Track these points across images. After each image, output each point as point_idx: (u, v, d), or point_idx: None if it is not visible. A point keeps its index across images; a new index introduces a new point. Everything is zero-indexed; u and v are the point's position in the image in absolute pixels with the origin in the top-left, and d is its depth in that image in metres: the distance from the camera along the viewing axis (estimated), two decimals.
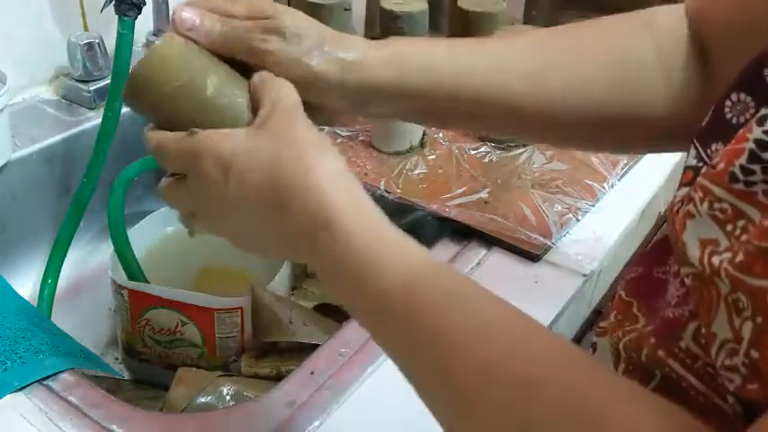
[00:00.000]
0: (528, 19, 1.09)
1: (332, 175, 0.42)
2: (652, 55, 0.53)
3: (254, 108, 0.46)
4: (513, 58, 0.53)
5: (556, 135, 0.58)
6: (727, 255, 0.34)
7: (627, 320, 0.48)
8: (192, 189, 0.45)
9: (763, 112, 0.34)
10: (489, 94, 0.52)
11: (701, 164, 0.41)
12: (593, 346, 0.51)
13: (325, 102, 0.50)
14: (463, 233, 0.73)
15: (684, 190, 0.40)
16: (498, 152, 0.85)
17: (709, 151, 0.41)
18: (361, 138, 0.87)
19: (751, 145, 0.34)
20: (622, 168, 0.82)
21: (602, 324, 0.51)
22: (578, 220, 0.74)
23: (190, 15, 0.47)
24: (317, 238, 0.41)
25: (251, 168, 0.42)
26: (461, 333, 0.38)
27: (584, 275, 0.68)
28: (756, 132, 0.34)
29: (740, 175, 0.34)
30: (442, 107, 0.52)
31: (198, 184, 0.45)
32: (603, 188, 0.79)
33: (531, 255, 0.69)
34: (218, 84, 0.46)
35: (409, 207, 0.76)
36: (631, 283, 0.50)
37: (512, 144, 0.85)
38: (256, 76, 0.47)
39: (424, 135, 0.85)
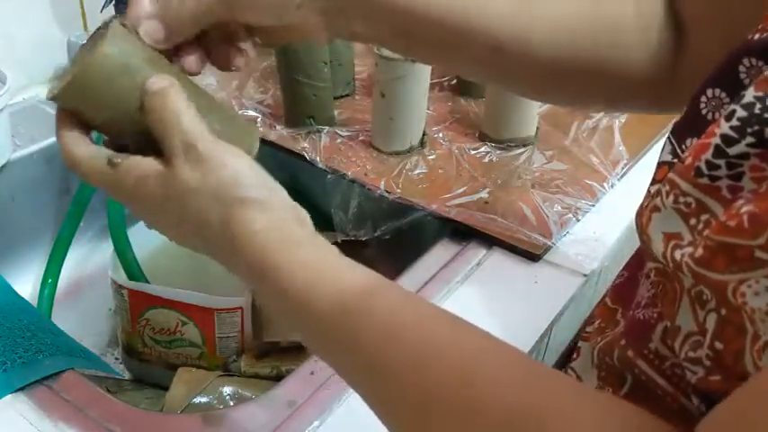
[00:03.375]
0: None
1: (249, 228, 0.41)
2: (631, 11, 0.52)
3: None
4: None
5: (525, 81, 0.55)
6: (689, 249, 0.34)
7: (609, 326, 0.48)
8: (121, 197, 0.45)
9: (731, 107, 0.34)
10: (473, 26, 0.49)
11: (675, 159, 0.41)
12: (577, 351, 0.51)
13: (302, 19, 0.48)
14: (463, 233, 0.73)
15: (657, 186, 0.40)
16: (498, 152, 0.85)
17: (683, 146, 0.41)
18: (361, 138, 0.87)
19: (717, 140, 0.34)
20: (622, 168, 0.82)
21: (587, 329, 0.51)
22: (578, 220, 0.74)
23: (154, 28, 0.46)
24: (261, 281, 0.42)
25: (185, 206, 0.43)
26: (395, 364, 0.37)
27: (585, 275, 0.68)
28: (723, 127, 0.34)
29: (705, 170, 0.35)
30: (422, 32, 0.49)
31: (125, 197, 0.45)
32: (603, 188, 0.79)
33: (531, 255, 0.69)
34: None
35: (409, 207, 0.76)
36: (617, 288, 0.50)
37: (512, 144, 0.85)
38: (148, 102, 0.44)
39: (424, 135, 0.85)
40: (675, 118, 0.43)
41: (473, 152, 0.85)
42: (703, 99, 0.40)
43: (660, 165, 0.42)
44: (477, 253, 0.70)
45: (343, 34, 0.51)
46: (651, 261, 0.39)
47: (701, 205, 0.35)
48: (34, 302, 0.83)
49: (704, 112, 0.40)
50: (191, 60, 0.47)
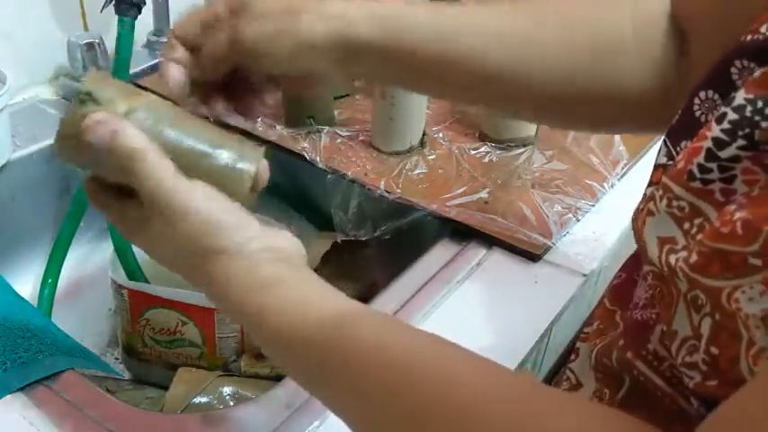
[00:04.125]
0: None
1: (223, 279, 0.42)
2: (630, 27, 0.52)
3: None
4: (496, 24, 0.52)
5: (529, 107, 0.56)
6: (683, 254, 0.34)
7: (609, 329, 0.48)
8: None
9: (722, 109, 0.34)
10: (468, 57, 0.51)
11: (670, 162, 0.41)
12: (576, 352, 0.50)
13: (311, 66, 0.49)
14: (463, 233, 0.73)
15: (652, 189, 0.40)
16: (498, 152, 0.85)
17: (678, 149, 0.41)
18: (361, 138, 0.87)
19: (708, 143, 0.34)
20: (622, 168, 0.82)
21: (585, 330, 0.51)
22: (578, 220, 0.74)
23: (178, 77, 0.48)
24: (246, 324, 0.44)
25: (164, 253, 0.44)
26: (383, 384, 0.37)
27: (584, 275, 0.68)
28: (715, 130, 0.34)
29: (698, 173, 0.34)
30: (423, 67, 0.51)
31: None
32: (603, 188, 0.79)
33: (531, 255, 0.69)
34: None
35: (409, 207, 0.76)
36: (615, 289, 0.50)
37: (512, 144, 0.85)
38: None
39: (424, 135, 0.85)
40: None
41: (473, 152, 0.85)
42: (696, 101, 0.40)
43: (656, 167, 0.42)
44: (477, 253, 0.70)
45: (348, 76, 0.52)
46: (647, 264, 0.39)
47: (694, 209, 0.35)
48: (34, 302, 0.83)
49: (698, 114, 0.40)
50: (219, 108, 0.50)
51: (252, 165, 0.45)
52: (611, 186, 0.80)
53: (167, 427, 0.55)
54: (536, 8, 0.53)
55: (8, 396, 0.54)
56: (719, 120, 0.34)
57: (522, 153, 0.84)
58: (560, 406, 0.34)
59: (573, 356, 0.51)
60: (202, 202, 0.42)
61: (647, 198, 0.39)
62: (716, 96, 0.39)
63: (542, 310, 0.64)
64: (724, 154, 0.34)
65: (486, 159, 0.84)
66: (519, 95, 0.54)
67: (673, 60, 0.51)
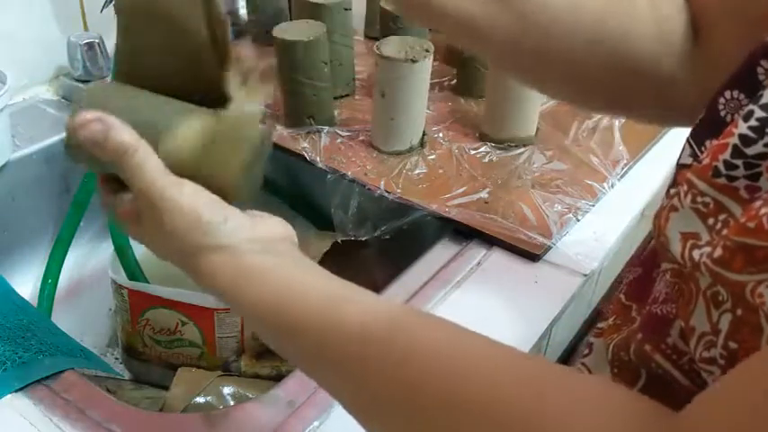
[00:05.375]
0: None
1: (217, 276, 0.43)
2: (646, 3, 0.51)
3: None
4: None
5: (534, 73, 0.56)
6: (707, 249, 0.34)
7: (625, 324, 0.48)
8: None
9: (749, 107, 0.35)
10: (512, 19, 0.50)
11: (696, 162, 0.41)
12: (590, 347, 0.50)
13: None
14: (463, 233, 0.73)
15: (676, 189, 0.40)
16: (498, 152, 0.85)
17: (703, 148, 0.41)
18: (361, 138, 0.87)
19: (735, 140, 0.34)
20: (622, 168, 0.82)
21: (600, 325, 0.51)
22: (578, 220, 0.74)
23: None
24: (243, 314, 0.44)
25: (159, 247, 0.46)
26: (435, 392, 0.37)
27: (585, 275, 0.68)
28: (741, 127, 0.34)
29: (723, 170, 0.35)
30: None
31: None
32: (603, 188, 0.79)
33: (531, 255, 0.69)
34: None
35: (409, 207, 0.76)
36: (631, 285, 0.50)
37: (512, 144, 0.85)
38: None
39: (424, 135, 0.85)
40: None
41: (473, 152, 0.85)
42: (722, 101, 0.40)
43: (680, 167, 0.42)
44: (477, 253, 0.70)
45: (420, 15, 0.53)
46: (667, 262, 0.39)
47: (718, 205, 0.35)
48: (34, 302, 0.83)
49: (723, 113, 0.40)
50: None
51: (254, 132, 0.46)
52: (611, 186, 0.80)
53: (167, 427, 0.55)
54: None
55: (8, 396, 0.54)
56: (746, 117, 0.34)
57: (522, 153, 0.84)
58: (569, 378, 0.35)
59: (586, 351, 0.51)
60: (189, 198, 0.43)
61: (670, 196, 0.39)
62: (741, 96, 0.39)
63: (542, 310, 0.64)
64: (750, 151, 0.34)
65: (486, 159, 0.84)
66: (533, 57, 0.53)
67: (687, 45, 0.51)
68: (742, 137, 0.34)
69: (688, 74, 0.52)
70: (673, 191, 0.40)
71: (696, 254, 0.35)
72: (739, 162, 0.34)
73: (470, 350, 0.37)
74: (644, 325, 0.44)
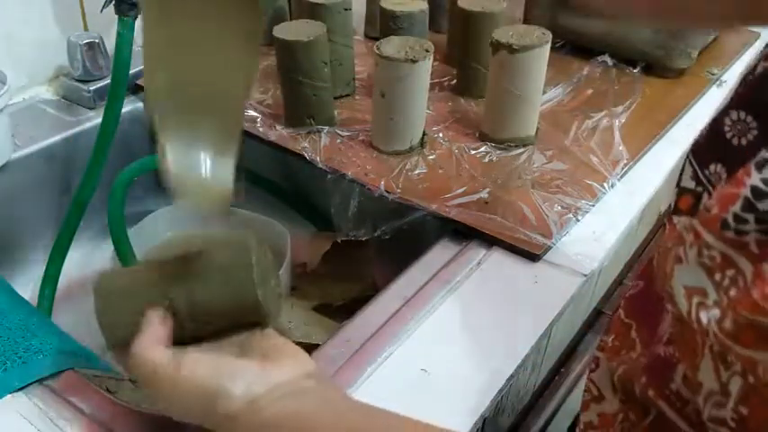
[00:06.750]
0: (528, 19, 1.09)
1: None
2: None
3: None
4: None
5: None
6: (715, 312, 0.33)
7: (624, 347, 0.46)
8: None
9: (763, 154, 0.32)
10: None
11: (699, 188, 0.39)
12: (596, 362, 0.50)
13: None
14: (463, 233, 0.73)
15: (681, 220, 0.37)
16: (498, 152, 0.85)
17: (707, 172, 0.38)
18: (361, 138, 0.87)
19: (747, 192, 0.32)
20: (622, 168, 0.82)
21: (603, 338, 0.50)
22: (578, 220, 0.74)
23: None
24: None
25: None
26: None
27: (585, 275, 0.68)
28: (754, 178, 0.32)
29: (732, 223, 0.33)
30: None
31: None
32: (603, 188, 0.79)
33: (531, 255, 0.69)
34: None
35: (409, 207, 0.76)
36: (631, 300, 0.48)
37: (512, 144, 0.85)
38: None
39: (424, 135, 0.85)
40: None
41: (473, 152, 0.85)
42: (727, 121, 0.37)
43: (682, 190, 0.40)
44: (477, 253, 0.70)
45: None
46: (670, 305, 0.37)
47: (726, 259, 0.33)
48: (34, 302, 0.83)
49: (729, 135, 0.37)
50: None
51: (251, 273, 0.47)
52: (611, 186, 0.80)
53: (167, 428, 0.54)
54: None
55: (8, 396, 0.54)
56: (760, 166, 0.32)
57: (522, 153, 0.84)
58: None
59: (593, 365, 0.50)
60: (193, 374, 0.43)
61: (674, 235, 0.37)
62: (749, 118, 0.36)
63: (542, 310, 0.64)
64: (763, 206, 0.32)
65: (486, 159, 0.84)
66: None
67: None
68: (754, 189, 0.32)
69: None
70: (678, 224, 0.37)
71: (704, 316, 0.33)
72: (750, 216, 0.32)
73: None
74: (648, 368, 0.42)
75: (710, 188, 0.38)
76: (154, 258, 0.49)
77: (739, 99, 0.37)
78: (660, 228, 1.00)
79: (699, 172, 0.39)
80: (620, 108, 0.94)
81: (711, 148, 0.38)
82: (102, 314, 0.48)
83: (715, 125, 0.38)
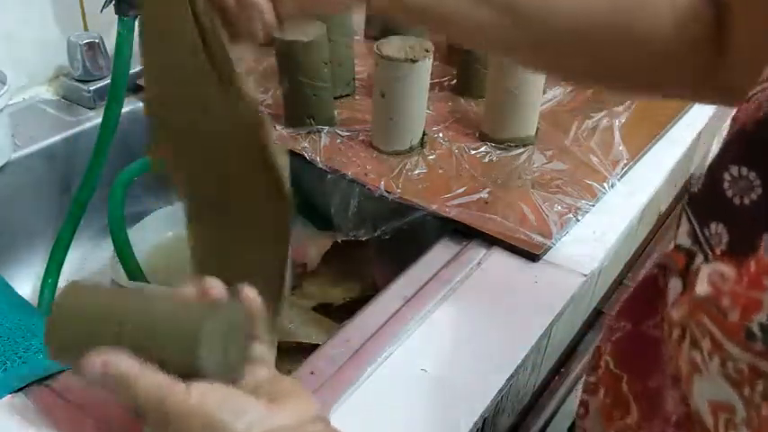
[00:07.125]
0: None
1: None
2: None
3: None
4: None
5: (550, 51, 0.52)
6: None
7: (618, 407, 0.44)
8: None
9: None
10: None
11: (695, 246, 0.35)
12: (585, 405, 0.47)
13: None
14: (463, 233, 0.73)
15: (677, 284, 0.34)
16: (498, 152, 0.85)
17: (707, 232, 0.35)
18: (361, 138, 0.87)
19: None
20: (622, 168, 0.82)
21: (591, 379, 0.47)
22: (578, 220, 0.74)
23: None
24: None
25: None
26: None
27: (585, 275, 0.68)
28: None
29: (758, 333, 0.29)
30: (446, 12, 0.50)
31: None
32: (603, 188, 0.79)
33: (531, 255, 0.69)
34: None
35: (409, 207, 0.76)
36: (618, 345, 0.45)
37: (512, 144, 0.85)
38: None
39: (424, 135, 0.85)
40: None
41: (473, 152, 0.85)
42: (727, 177, 0.33)
43: (677, 248, 0.36)
44: (477, 253, 0.70)
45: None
46: (694, 416, 0.33)
47: (754, 371, 0.30)
48: (34, 302, 0.83)
49: (729, 194, 0.33)
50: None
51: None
52: (611, 186, 0.80)
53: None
54: None
55: (8, 396, 0.54)
56: None
57: (522, 153, 0.84)
58: None
59: (582, 410, 0.47)
60: (201, 403, 0.41)
61: (682, 326, 0.33)
62: (751, 174, 0.32)
63: (542, 310, 0.64)
64: None
65: (486, 159, 0.84)
66: (539, 39, 0.51)
67: (708, 18, 0.47)
68: None
69: (711, 54, 0.47)
70: (677, 283, 0.35)
71: None
72: None
73: None
74: None
75: (708, 251, 0.34)
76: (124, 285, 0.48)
77: (739, 152, 0.34)
78: (658, 227, 1.00)
79: (698, 230, 0.35)
80: (620, 108, 0.94)
81: (710, 206, 0.35)
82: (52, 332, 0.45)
83: (713, 179, 0.35)
